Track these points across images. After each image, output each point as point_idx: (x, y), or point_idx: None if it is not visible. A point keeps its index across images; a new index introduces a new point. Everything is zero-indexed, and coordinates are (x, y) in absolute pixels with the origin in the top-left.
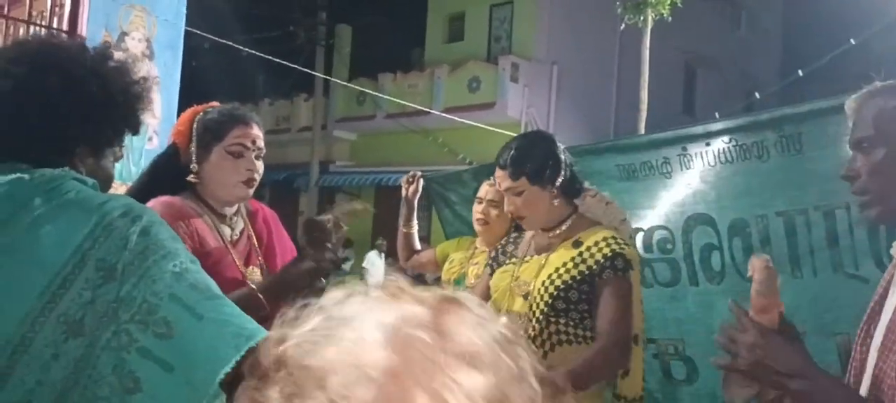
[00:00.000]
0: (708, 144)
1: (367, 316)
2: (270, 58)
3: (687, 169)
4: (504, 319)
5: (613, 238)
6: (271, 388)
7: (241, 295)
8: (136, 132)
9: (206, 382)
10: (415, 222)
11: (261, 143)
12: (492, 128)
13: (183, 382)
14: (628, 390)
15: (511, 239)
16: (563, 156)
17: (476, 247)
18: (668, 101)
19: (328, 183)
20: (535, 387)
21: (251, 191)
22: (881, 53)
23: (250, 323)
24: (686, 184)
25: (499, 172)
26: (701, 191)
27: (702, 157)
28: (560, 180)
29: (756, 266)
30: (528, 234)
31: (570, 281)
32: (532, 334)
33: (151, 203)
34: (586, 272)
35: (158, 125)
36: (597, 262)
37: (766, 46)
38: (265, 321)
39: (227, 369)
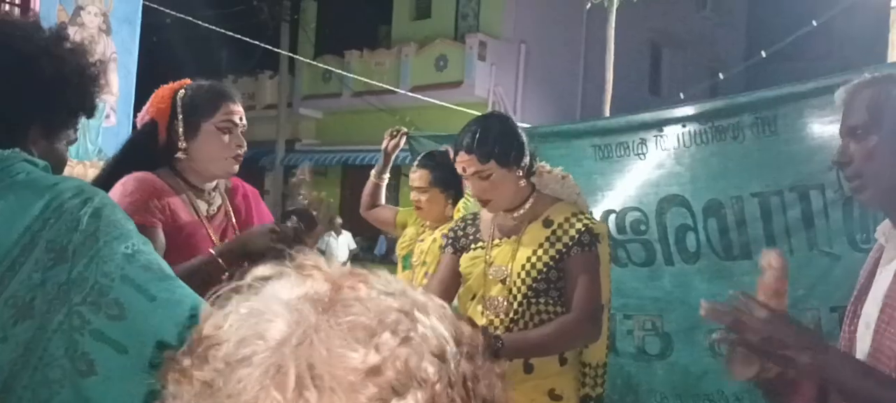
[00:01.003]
0: (684, 126)
1: (274, 292)
2: (234, 34)
3: (663, 150)
4: (415, 292)
5: (582, 213)
6: (185, 359)
7: (200, 261)
8: (91, 115)
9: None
10: (387, 175)
11: (245, 120)
12: (459, 108)
13: (137, 363)
14: (592, 357)
15: (469, 221)
16: (523, 136)
17: (425, 226)
18: (635, 81)
19: (294, 162)
20: (430, 358)
21: (238, 167)
22: (842, 34)
23: (203, 303)
24: (660, 166)
25: (464, 156)
26: (676, 173)
27: (678, 139)
28: (525, 160)
29: (772, 257)
30: (487, 215)
31: (549, 262)
32: (514, 317)
33: (125, 179)
34: (563, 250)
35: (116, 102)
36: (571, 238)
37: (731, 27)
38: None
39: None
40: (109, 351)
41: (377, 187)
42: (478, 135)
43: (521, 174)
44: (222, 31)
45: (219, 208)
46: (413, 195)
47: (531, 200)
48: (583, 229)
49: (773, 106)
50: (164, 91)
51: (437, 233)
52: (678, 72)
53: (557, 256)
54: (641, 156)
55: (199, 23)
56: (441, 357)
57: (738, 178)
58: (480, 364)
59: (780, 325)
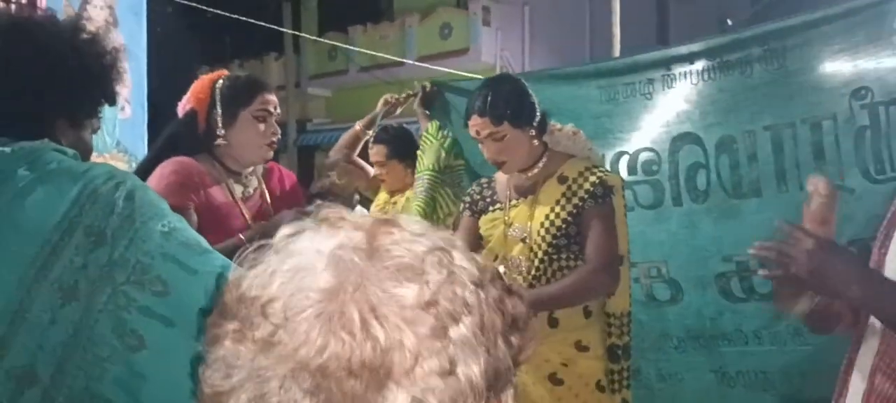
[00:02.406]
0: (692, 63)
1: (310, 246)
2: (236, 16)
3: (670, 88)
4: (442, 231)
5: (595, 167)
6: (230, 322)
7: (228, 245)
8: (112, 103)
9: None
10: (371, 132)
11: (279, 109)
12: (467, 75)
13: (186, 334)
14: (615, 307)
15: (484, 184)
16: (534, 96)
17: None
18: (642, 34)
19: (306, 142)
20: (471, 287)
21: (272, 153)
22: None
23: (231, 265)
24: (669, 105)
25: (477, 119)
26: (685, 111)
27: (686, 77)
28: (537, 119)
29: (820, 184)
30: (502, 177)
31: (567, 218)
32: (536, 274)
33: (164, 163)
34: (579, 204)
35: (129, 94)
36: (586, 191)
37: None
38: None
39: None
40: (158, 325)
41: (356, 136)
42: (490, 98)
43: (533, 133)
44: (225, 15)
45: (255, 190)
46: (375, 169)
47: (545, 158)
48: (597, 182)
49: (781, 37)
50: (203, 81)
51: (409, 192)
52: (686, 23)
53: (575, 211)
54: (648, 96)
55: (202, 8)
56: (478, 284)
57: (749, 113)
58: (501, 287)
59: (827, 256)
